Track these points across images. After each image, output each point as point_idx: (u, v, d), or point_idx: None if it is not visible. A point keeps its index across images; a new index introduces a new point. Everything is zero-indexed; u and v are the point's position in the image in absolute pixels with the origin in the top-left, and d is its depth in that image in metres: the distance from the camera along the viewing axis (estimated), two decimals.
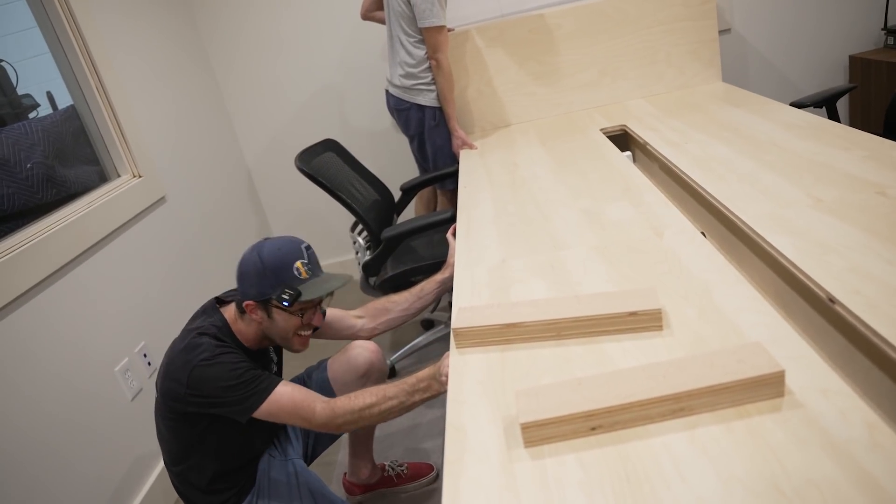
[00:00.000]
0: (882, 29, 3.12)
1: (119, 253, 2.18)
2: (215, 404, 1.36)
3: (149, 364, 2.20)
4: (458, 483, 0.82)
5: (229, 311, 1.51)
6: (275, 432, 1.67)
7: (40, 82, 2.31)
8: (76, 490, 1.78)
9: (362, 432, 1.90)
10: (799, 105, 2.41)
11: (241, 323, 1.49)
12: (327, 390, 1.70)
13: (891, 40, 3.08)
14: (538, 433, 0.84)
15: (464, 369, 1.06)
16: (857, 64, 3.16)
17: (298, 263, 1.45)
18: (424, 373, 1.34)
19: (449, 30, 2.63)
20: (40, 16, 2.16)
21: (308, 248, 1.49)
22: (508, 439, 0.88)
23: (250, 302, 1.44)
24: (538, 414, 0.84)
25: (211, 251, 2.84)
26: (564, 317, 1.06)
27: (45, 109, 2.30)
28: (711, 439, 0.80)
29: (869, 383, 0.98)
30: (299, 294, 1.42)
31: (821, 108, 2.50)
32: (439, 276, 1.77)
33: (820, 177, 1.53)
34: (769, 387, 0.84)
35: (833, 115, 2.50)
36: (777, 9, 3.18)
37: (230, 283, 2.85)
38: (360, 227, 2.41)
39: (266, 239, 1.49)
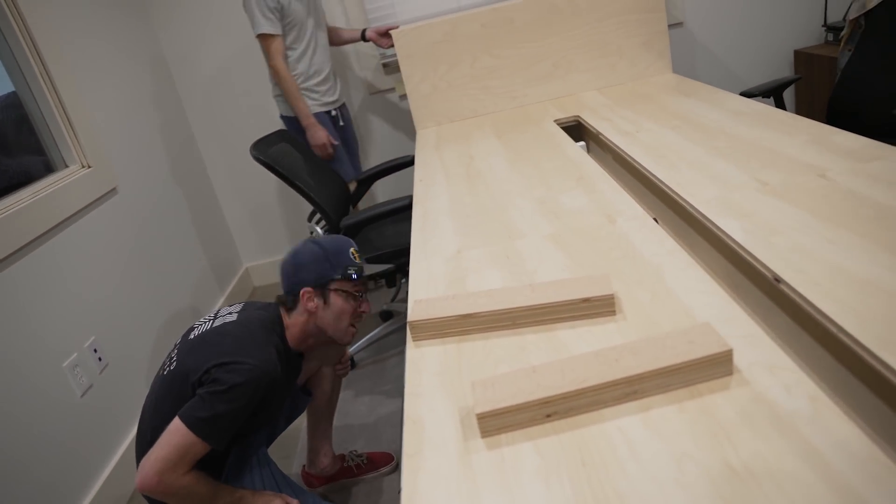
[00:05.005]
0: (822, 26, 3.21)
1: (68, 245, 2.13)
2: (207, 381, 1.39)
3: (99, 359, 2.15)
4: (416, 476, 0.82)
5: (286, 315, 1.59)
6: (261, 444, 1.65)
7: None
8: (22, 491, 1.73)
9: (321, 423, 1.90)
10: (748, 95, 2.47)
11: (295, 321, 1.56)
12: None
13: (830, 36, 3.19)
14: (494, 423, 0.85)
15: (421, 362, 1.06)
16: (802, 58, 3.25)
17: (352, 249, 1.59)
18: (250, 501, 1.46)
19: (370, 40, 2.91)
20: None
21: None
22: (466, 430, 0.88)
23: (308, 289, 1.52)
24: (493, 403, 0.84)
25: (164, 243, 2.79)
26: (519, 305, 1.07)
27: None
28: (664, 420, 0.81)
29: (813, 358, 1.01)
30: (362, 270, 1.58)
31: (769, 98, 2.56)
32: None
33: (766, 161, 1.56)
34: (718, 366, 0.85)
35: (780, 105, 2.56)
36: (726, 4, 3.26)
37: (183, 276, 2.83)
38: (317, 216, 2.40)
39: (314, 237, 1.63)
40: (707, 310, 1.02)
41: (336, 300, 1.55)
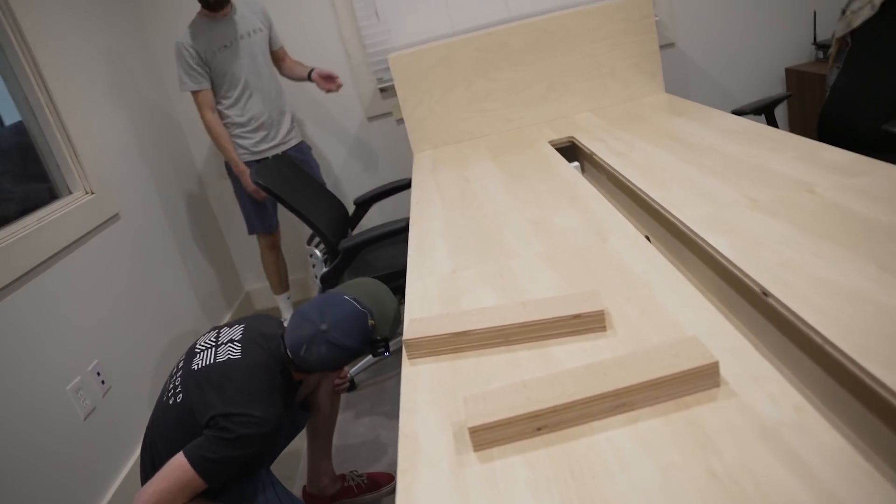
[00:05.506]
0: (812, 43, 3.26)
1: (71, 270, 2.16)
2: (211, 424, 1.41)
3: (102, 382, 2.17)
4: (410, 490, 0.84)
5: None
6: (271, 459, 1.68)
7: None
8: None
9: (321, 440, 1.91)
10: (739, 112, 2.51)
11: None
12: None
13: (820, 54, 3.24)
14: (486, 436, 0.86)
15: (416, 380, 1.08)
16: (793, 75, 3.30)
17: (370, 321, 1.55)
18: None
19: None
20: None
21: (355, 300, 1.56)
22: (458, 444, 0.89)
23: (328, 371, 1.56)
24: (485, 417, 0.86)
25: (166, 268, 2.82)
26: (511, 322, 1.09)
27: None
28: (652, 432, 0.83)
29: (799, 369, 1.03)
30: (387, 340, 1.59)
31: (760, 115, 2.59)
32: None
33: (755, 178, 1.59)
34: (705, 378, 0.87)
35: (771, 122, 2.59)
36: (717, 25, 3.31)
37: (185, 300, 2.85)
38: (316, 239, 2.42)
39: (329, 329, 1.51)
40: (695, 324, 1.04)
41: None
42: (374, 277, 2.25)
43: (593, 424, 0.87)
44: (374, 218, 3.49)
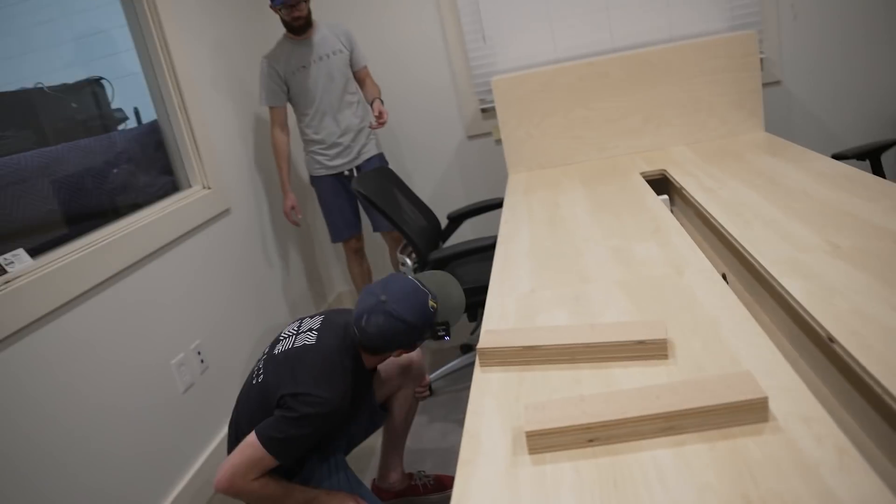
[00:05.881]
0: None
1: (184, 257, 2.40)
2: (281, 405, 1.56)
3: (201, 361, 2.40)
4: (468, 481, 0.93)
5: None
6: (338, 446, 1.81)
7: (130, 98, 2.58)
8: (123, 472, 1.95)
9: (395, 441, 2.03)
10: (840, 157, 2.47)
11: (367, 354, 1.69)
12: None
13: None
14: (541, 441, 0.95)
15: (485, 386, 1.18)
16: None
17: (431, 301, 1.63)
18: (324, 500, 1.63)
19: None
20: (138, 40, 2.46)
21: (418, 280, 1.67)
22: (515, 447, 0.98)
23: (400, 349, 1.65)
24: (542, 424, 0.95)
25: (267, 262, 3.05)
26: (578, 342, 1.16)
27: (132, 122, 2.58)
28: (695, 455, 0.89)
29: (854, 414, 1.06)
30: (448, 323, 1.66)
31: (864, 160, 2.54)
32: None
33: (842, 224, 1.59)
34: (753, 411, 0.92)
35: (877, 168, 2.54)
36: (827, 64, 3.25)
37: (282, 294, 3.07)
38: (409, 248, 2.56)
39: (389, 304, 1.60)
40: (754, 361, 1.08)
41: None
42: (464, 290, 2.37)
43: (641, 442, 0.93)
44: (466, 233, 3.61)
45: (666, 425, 0.94)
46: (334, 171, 3.05)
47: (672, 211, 2.36)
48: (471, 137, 3.49)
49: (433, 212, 2.85)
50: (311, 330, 1.69)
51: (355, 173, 3.08)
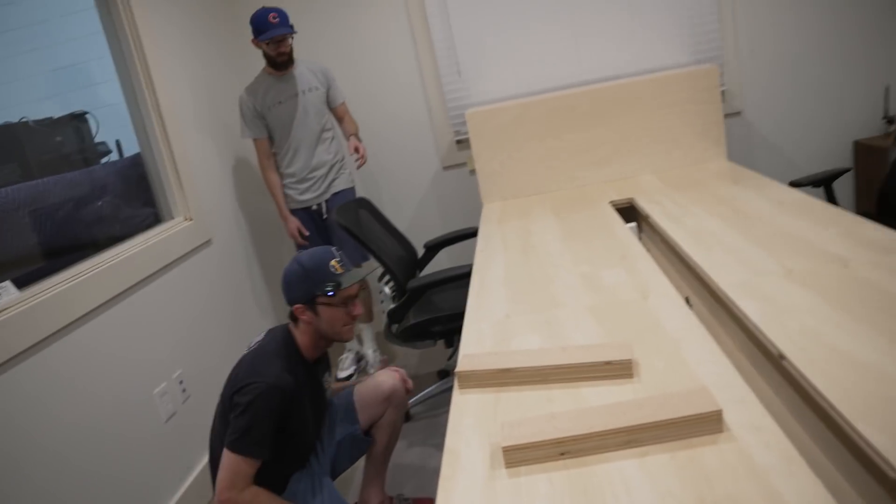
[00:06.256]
0: (883, 118, 3.31)
1: (167, 287, 2.44)
2: (231, 409, 1.64)
3: (183, 391, 2.43)
4: (449, 495, 1.00)
5: (293, 326, 1.81)
6: (307, 455, 1.86)
7: (111, 129, 2.63)
8: (102, 500, 1.97)
9: (377, 466, 2.08)
10: (797, 184, 2.60)
11: (300, 333, 1.78)
12: (350, 411, 1.97)
13: (891, 128, 3.28)
14: (516, 456, 1.02)
15: (463, 406, 1.25)
16: (862, 149, 3.35)
17: (333, 262, 1.76)
18: None
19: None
20: (122, 72, 2.52)
21: (338, 250, 1.80)
22: (493, 462, 1.05)
23: (299, 305, 1.74)
24: (517, 439, 1.02)
25: (248, 292, 3.11)
26: (550, 364, 1.24)
27: (114, 155, 2.64)
28: (657, 464, 0.97)
29: (802, 424, 1.15)
30: (340, 283, 1.72)
31: (819, 187, 2.67)
32: None
33: (796, 250, 1.70)
34: (709, 423, 1.01)
35: (830, 195, 2.67)
36: (785, 95, 3.41)
37: (264, 323, 3.10)
38: (387, 277, 2.63)
39: (299, 253, 1.81)
40: (711, 377, 1.17)
41: (324, 311, 1.74)
42: (437, 317, 2.44)
43: (609, 454, 1.01)
44: (443, 261, 3.69)
45: (630, 438, 1.02)
46: (304, 206, 3.10)
47: (640, 237, 2.47)
48: (446, 168, 3.59)
49: (410, 241, 2.93)
50: (255, 342, 1.81)
51: (324, 207, 3.11)
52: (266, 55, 2.94)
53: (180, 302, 2.51)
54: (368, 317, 3.34)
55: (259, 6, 2.99)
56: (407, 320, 2.51)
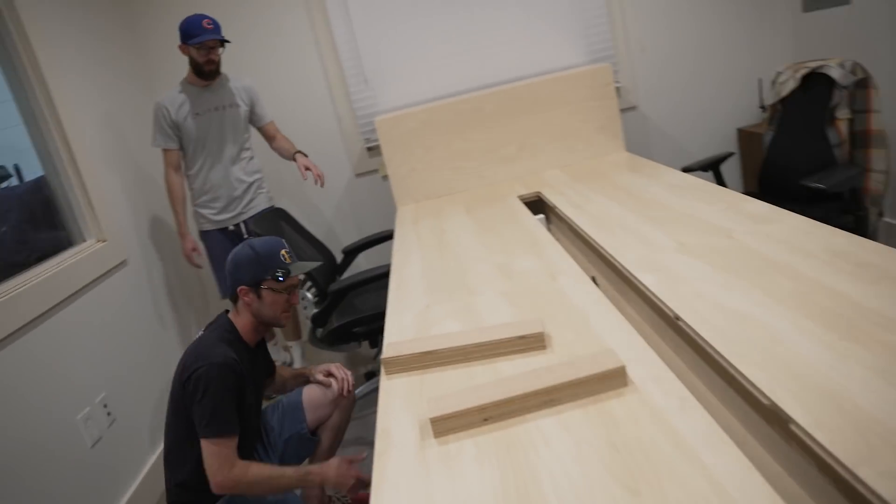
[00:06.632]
0: (759, 107, 3.60)
1: (83, 310, 2.39)
2: (192, 406, 1.66)
3: (108, 414, 2.38)
4: (384, 467, 1.06)
5: (232, 313, 1.86)
6: (254, 444, 1.90)
7: (10, 153, 2.54)
8: None
9: (326, 458, 2.12)
10: (688, 170, 2.80)
11: (239, 316, 1.83)
12: (297, 411, 2.01)
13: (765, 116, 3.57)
14: (444, 426, 1.10)
15: (391, 390, 1.31)
16: (744, 135, 3.63)
17: (283, 251, 1.83)
18: (317, 472, 1.77)
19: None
20: (17, 91, 2.44)
21: (283, 240, 1.87)
22: (423, 434, 1.12)
23: (244, 287, 1.79)
24: (443, 410, 1.10)
25: (169, 312, 3.05)
26: (468, 343, 1.33)
27: (14, 180, 2.55)
28: (572, 419, 1.07)
29: (694, 370, 1.28)
30: (289, 271, 1.80)
31: (708, 171, 2.89)
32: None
33: (687, 226, 1.86)
34: (615, 378, 1.11)
35: (718, 177, 2.89)
36: (675, 90, 3.65)
37: (186, 341, 3.05)
38: (309, 283, 2.66)
39: (250, 238, 1.89)
40: (616, 342, 1.29)
41: (267, 296, 1.80)
42: (360, 318, 2.49)
43: (528, 416, 1.10)
44: (362, 265, 3.73)
45: (547, 399, 1.11)
46: (220, 226, 2.99)
47: (549, 227, 2.60)
48: (359, 175, 3.64)
49: (328, 248, 2.96)
50: (198, 334, 1.86)
51: (243, 228, 3.00)
52: (193, 62, 2.79)
53: (98, 324, 2.45)
54: (296, 334, 3.33)
55: (153, 20, 2.96)
56: (330, 324, 2.55)
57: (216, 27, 2.73)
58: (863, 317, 1.18)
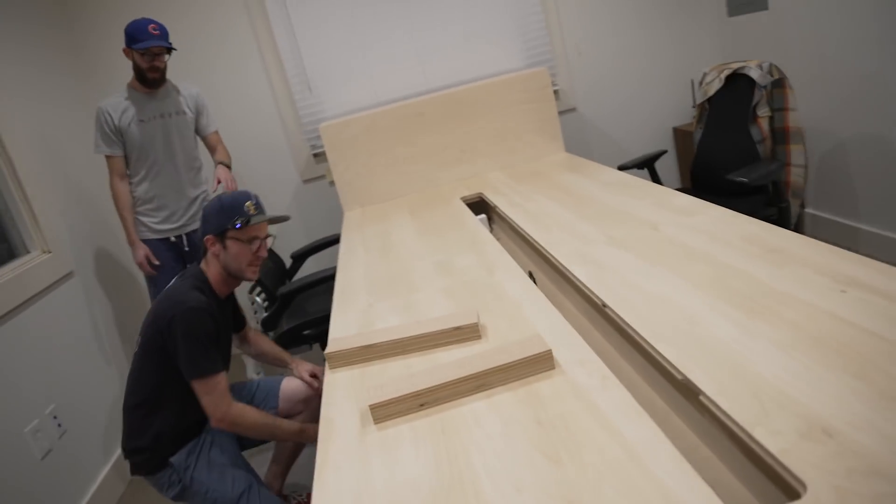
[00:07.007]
0: (692, 106, 3.76)
1: (29, 322, 2.37)
2: (175, 351, 1.72)
3: (59, 426, 2.37)
4: (327, 451, 1.12)
5: (203, 264, 1.90)
6: None
7: None
8: None
9: (281, 464, 2.16)
10: (624, 167, 2.92)
11: (209, 268, 1.87)
12: (273, 396, 2.09)
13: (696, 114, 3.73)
14: (382, 412, 1.15)
15: (334, 383, 1.37)
16: (679, 134, 3.78)
17: (248, 203, 1.87)
18: (312, 430, 1.87)
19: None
20: None
21: (257, 196, 1.90)
22: (364, 422, 1.18)
23: (210, 236, 1.83)
24: (381, 398, 1.15)
25: (119, 321, 3.03)
26: (406, 336, 1.39)
27: None
28: (502, 401, 1.14)
29: (619, 352, 1.36)
30: (248, 220, 1.83)
31: (643, 168, 3.01)
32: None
33: (617, 220, 1.95)
34: (542, 362, 1.19)
35: (653, 174, 3.01)
36: (611, 91, 3.78)
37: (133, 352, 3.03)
38: (258, 289, 2.68)
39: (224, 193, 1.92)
40: (547, 329, 1.36)
41: (232, 246, 1.83)
42: (309, 321, 2.53)
43: (462, 400, 1.17)
44: (311, 269, 3.76)
45: (479, 383, 1.17)
46: (161, 236, 2.88)
47: (491, 227, 2.68)
48: (306, 181, 3.67)
49: (277, 253, 2.99)
50: (170, 285, 1.89)
51: (184, 240, 2.92)
52: (136, 68, 2.70)
53: (46, 336, 2.44)
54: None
55: (90, 20, 2.91)
56: (280, 327, 2.58)
57: (163, 33, 2.66)
58: (768, 296, 1.28)
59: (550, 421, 1.04)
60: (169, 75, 2.88)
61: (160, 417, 1.79)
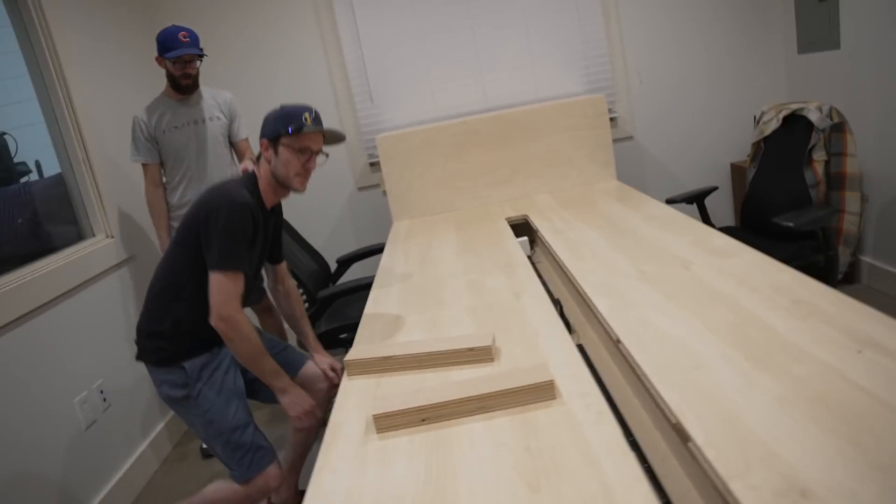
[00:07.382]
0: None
1: (88, 301, 2.55)
2: (208, 240, 1.75)
3: (104, 400, 2.54)
4: (330, 454, 1.18)
5: (256, 168, 1.94)
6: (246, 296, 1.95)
7: (32, 149, 2.70)
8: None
9: (295, 460, 2.22)
10: (671, 201, 2.91)
11: (261, 173, 1.92)
12: (292, 366, 2.11)
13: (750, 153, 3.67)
14: (385, 423, 1.21)
15: (350, 389, 1.43)
16: (736, 169, 3.72)
17: (306, 114, 1.87)
18: (295, 392, 1.90)
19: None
20: (39, 90, 2.61)
21: (317, 111, 1.91)
22: (367, 430, 1.24)
23: (265, 140, 1.87)
24: (385, 409, 1.21)
25: None
26: (422, 351, 1.44)
27: (34, 175, 2.73)
28: (499, 425, 1.18)
29: (631, 390, 1.38)
30: (301, 128, 1.84)
31: (692, 203, 2.99)
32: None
33: (652, 255, 1.96)
34: (543, 391, 1.22)
35: (702, 210, 2.99)
36: (670, 122, 3.76)
37: None
38: (301, 290, 2.79)
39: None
40: (557, 358, 1.39)
41: (284, 153, 1.85)
42: (345, 325, 2.61)
43: (462, 419, 1.21)
44: (356, 275, 3.86)
45: (480, 405, 1.22)
46: None
47: (533, 250, 2.71)
48: (360, 189, 3.78)
49: (324, 257, 3.09)
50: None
51: None
52: (169, 75, 2.76)
53: (102, 315, 2.61)
54: (281, 338, 3.42)
55: (172, 18, 3.07)
56: (318, 328, 2.67)
57: (193, 40, 2.69)
58: (782, 349, 1.28)
59: (539, 449, 1.08)
60: (235, 75, 3.00)
61: (181, 307, 1.84)
